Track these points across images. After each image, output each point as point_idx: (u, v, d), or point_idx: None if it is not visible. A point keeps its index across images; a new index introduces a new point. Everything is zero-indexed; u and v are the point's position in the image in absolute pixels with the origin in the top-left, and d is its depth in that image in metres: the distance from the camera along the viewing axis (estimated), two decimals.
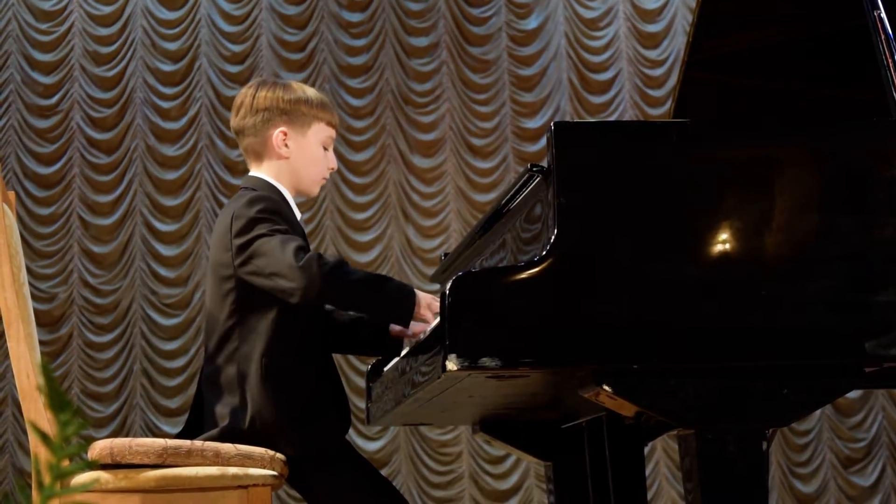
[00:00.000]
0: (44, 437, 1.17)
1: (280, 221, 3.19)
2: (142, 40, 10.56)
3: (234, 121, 3.44)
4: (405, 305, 3.11)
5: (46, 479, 1.14)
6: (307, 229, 10.15)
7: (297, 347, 3.21)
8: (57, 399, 1.16)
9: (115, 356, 10.07)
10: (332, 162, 3.47)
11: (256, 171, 3.41)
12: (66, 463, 2.53)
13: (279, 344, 3.17)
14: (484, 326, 2.53)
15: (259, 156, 3.40)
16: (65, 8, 10.57)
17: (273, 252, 3.09)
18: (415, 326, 3.18)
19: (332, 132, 3.46)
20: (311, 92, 3.45)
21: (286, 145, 3.37)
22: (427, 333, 2.95)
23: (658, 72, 10.79)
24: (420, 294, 3.14)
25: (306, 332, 3.22)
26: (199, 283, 10.08)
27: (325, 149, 3.44)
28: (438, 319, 2.64)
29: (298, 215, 3.37)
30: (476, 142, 10.63)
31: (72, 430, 1.17)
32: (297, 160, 3.39)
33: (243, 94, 3.43)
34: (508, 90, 10.74)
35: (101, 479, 2.85)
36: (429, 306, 3.12)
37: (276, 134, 3.36)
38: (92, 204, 10.30)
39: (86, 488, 2.77)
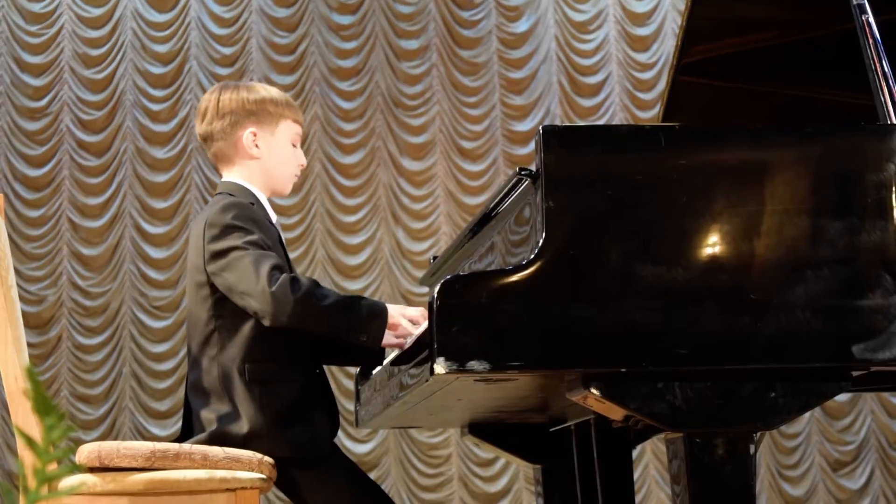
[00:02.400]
0: (29, 441, 1.17)
1: (254, 230, 3.17)
2: (131, 43, 10.55)
3: (201, 127, 3.42)
4: (375, 327, 3.08)
5: (31, 483, 1.14)
6: (297, 232, 10.15)
7: (281, 350, 3.19)
8: (42, 403, 1.16)
9: (105, 359, 10.05)
10: (302, 159, 3.47)
11: (229, 176, 3.40)
12: (51, 467, 2.53)
13: (261, 346, 3.16)
14: (472, 330, 2.53)
15: (230, 159, 3.40)
16: (54, 10, 10.56)
17: (246, 271, 3.08)
18: (390, 340, 3.13)
19: (298, 129, 3.45)
20: (274, 91, 3.45)
21: (256, 146, 3.36)
22: (416, 337, 2.95)
23: (648, 75, 10.80)
24: (391, 309, 3.12)
25: (289, 334, 3.20)
26: None
27: (294, 146, 3.44)
28: (427, 323, 2.64)
29: (273, 217, 3.36)
30: (466, 145, 10.63)
31: (57, 434, 1.16)
32: (269, 160, 3.38)
33: (206, 100, 3.42)
34: (498, 93, 10.74)
35: (89, 483, 2.85)
36: (402, 315, 3.11)
37: (246, 135, 3.36)
38: (81, 206, 10.28)
39: (71, 492, 2.77)
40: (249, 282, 3.06)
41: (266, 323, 3.08)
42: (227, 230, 3.16)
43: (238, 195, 3.30)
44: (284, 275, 3.06)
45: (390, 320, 3.09)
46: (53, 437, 1.16)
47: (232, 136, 3.37)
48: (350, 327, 3.09)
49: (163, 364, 10.07)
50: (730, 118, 4.11)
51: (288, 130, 3.42)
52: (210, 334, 3.21)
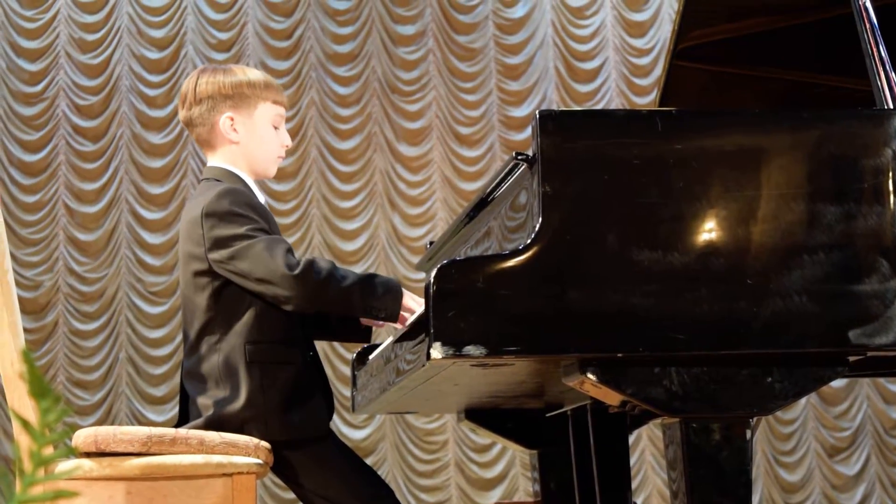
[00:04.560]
0: (25, 424, 1.17)
1: (254, 216, 3.19)
2: (128, 28, 10.53)
3: (181, 113, 3.43)
4: (391, 303, 3.15)
5: (27, 466, 1.14)
6: (293, 217, 10.15)
7: (280, 334, 3.21)
8: (38, 386, 1.15)
9: (101, 344, 10.05)
10: (286, 139, 3.46)
11: (213, 160, 3.41)
12: (48, 450, 2.53)
13: (261, 331, 3.18)
14: (468, 315, 2.52)
15: (211, 144, 3.40)
16: None
17: (260, 258, 3.09)
18: (403, 316, 3.20)
19: (279, 110, 3.44)
20: (253, 73, 3.43)
21: (235, 130, 3.36)
22: (411, 322, 2.96)
23: (644, 60, 10.79)
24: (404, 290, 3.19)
25: (288, 318, 3.22)
26: None
27: (276, 128, 3.43)
28: (423, 307, 2.64)
29: (262, 199, 3.36)
30: (462, 130, 10.62)
31: (53, 417, 1.16)
32: (249, 143, 3.38)
33: (186, 85, 3.42)
34: (495, 79, 10.73)
35: (86, 468, 2.85)
36: (413, 299, 3.17)
37: (223, 120, 3.36)
38: (77, 192, 10.27)
39: (68, 476, 2.77)
40: (267, 269, 3.08)
41: (288, 308, 3.11)
42: (227, 217, 3.16)
43: (226, 180, 3.30)
44: (304, 259, 3.08)
45: (403, 299, 3.16)
46: (49, 419, 1.16)
47: (210, 120, 3.37)
48: (369, 305, 3.15)
49: (159, 349, 10.07)
50: (727, 103, 4.10)
51: (267, 112, 3.41)
52: (209, 321, 3.21)
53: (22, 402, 2.81)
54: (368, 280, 3.16)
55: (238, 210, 3.18)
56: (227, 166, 3.36)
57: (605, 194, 2.65)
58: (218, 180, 3.31)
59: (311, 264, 3.07)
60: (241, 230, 3.14)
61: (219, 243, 3.16)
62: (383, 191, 10.45)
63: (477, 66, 10.76)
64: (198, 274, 3.23)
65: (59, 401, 1.17)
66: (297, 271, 3.05)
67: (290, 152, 9.78)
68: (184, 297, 3.33)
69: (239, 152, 3.38)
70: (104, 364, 10.02)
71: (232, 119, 3.36)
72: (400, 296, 3.16)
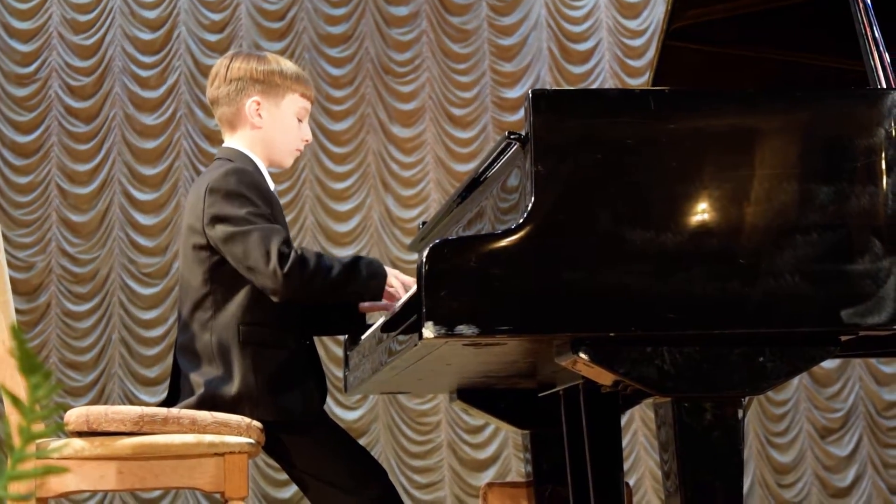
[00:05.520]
0: (15, 400, 1.17)
1: (257, 198, 3.19)
2: (120, 8, 10.50)
3: (209, 90, 3.47)
4: (374, 287, 3.20)
5: (17, 442, 1.14)
6: (287, 199, 10.14)
7: (275, 317, 3.21)
8: (28, 361, 1.15)
9: (94, 325, 10.04)
10: (307, 134, 3.49)
11: (230, 142, 3.42)
12: (38, 427, 2.52)
13: (255, 311, 3.18)
14: (461, 294, 2.52)
15: (233, 125, 3.42)
16: None
17: (255, 246, 3.10)
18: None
19: (306, 104, 3.47)
20: (286, 64, 3.46)
21: (259, 115, 3.38)
22: (403, 301, 2.96)
23: (638, 42, 10.78)
24: (388, 269, 3.24)
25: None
26: (177, 252, 10.04)
27: (300, 120, 3.45)
28: (415, 287, 2.64)
29: (272, 185, 3.38)
30: (456, 111, 10.60)
31: (43, 393, 1.16)
32: (270, 130, 3.40)
33: (219, 65, 3.46)
34: (488, 60, 10.71)
35: (77, 447, 2.85)
36: (395, 277, 3.24)
37: (250, 103, 3.38)
38: (70, 173, 10.25)
39: (59, 452, 2.77)
40: (259, 259, 3.09)
41: (275, 300, 3.13)
42: (230, 196, 3.18)
43: (238, 161, 3.32)
44: (293, 254, 3.09)
45: (387, 279, 3.21)
46: (39, 395, 1.15)
47: (236, 102, 3.40)
48: (354, 291, 3.22)
49: (152, 331, 10.06)
50: (720, 84, 4.10)
51: (294, 104, 3.44)
52: (203, 298, 3.22)
53: (13, 380, 2.81)
54: (353, 266, 3.18)
55: (242, 191, 3.19)
56: (243, 149, 3.39)
57: (597, 174, 2.64)
58: (230, 160, 3.33)
59: (299, 262, 3.08)
60: (242, 212, 3.15)
61: (217, 220, 3.18)
62: (376, 172, 10.44)
63: (470, 48, 10.74)
64: (196, 248, 3.26)
65: (49, 377, 1.16)
66: (285, 269, 3.06)
67: None
68: (181, 271, 3.35)
69: (259, 137, 3.40)
70: (97, 345, 10.01)
71: (258, 104, 3.39)
72: (384, 276, 3.21)
